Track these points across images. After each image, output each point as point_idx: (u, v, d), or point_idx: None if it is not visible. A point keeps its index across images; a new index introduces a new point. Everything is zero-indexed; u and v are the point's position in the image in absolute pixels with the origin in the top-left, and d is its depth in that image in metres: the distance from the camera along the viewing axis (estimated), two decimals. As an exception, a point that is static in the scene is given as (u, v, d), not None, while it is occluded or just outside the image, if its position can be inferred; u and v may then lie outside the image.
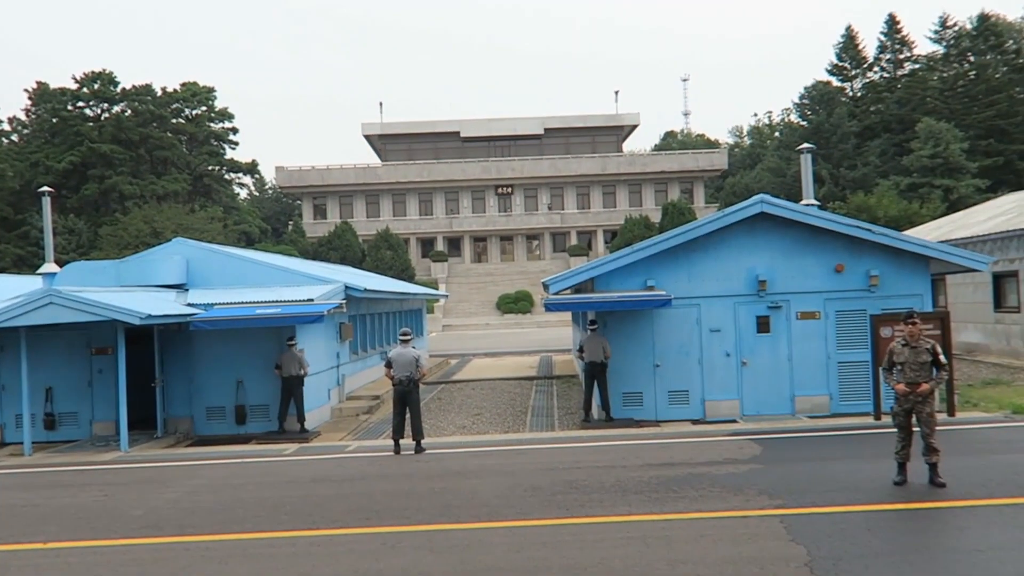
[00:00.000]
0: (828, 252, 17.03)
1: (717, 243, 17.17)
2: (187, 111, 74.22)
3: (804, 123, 72.60)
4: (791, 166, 68.86)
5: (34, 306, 15.49)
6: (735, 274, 17.12)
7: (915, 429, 10.95)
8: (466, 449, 14.70)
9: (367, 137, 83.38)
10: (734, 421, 16.67)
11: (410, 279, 62.60)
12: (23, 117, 71.33)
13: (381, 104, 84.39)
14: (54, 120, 68.45)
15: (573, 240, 76.36)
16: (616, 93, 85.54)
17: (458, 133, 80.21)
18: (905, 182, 59.64)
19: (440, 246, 76.03)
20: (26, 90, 75.26)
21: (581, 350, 17.44)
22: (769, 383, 17.02)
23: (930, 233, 30.84)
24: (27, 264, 60.45)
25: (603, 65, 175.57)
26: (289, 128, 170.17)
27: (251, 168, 78.61)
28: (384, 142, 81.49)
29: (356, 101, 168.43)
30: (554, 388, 24.15)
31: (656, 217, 69.63)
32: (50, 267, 21.02)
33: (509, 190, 78.17)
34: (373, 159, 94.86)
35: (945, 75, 69.45)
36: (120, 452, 16.05)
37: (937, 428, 10.86)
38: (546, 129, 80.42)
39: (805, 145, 20.25)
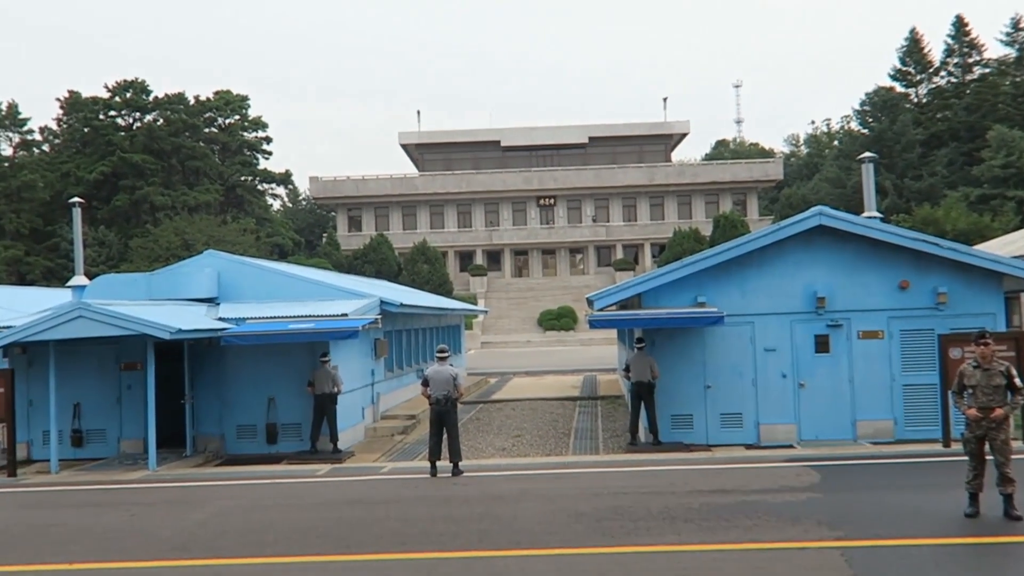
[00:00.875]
0: (892, 268, 16.77)
1: (772, 258, 17.01)
2: (220, 120, 75.64)
3: (865, 131, 71.68)
4: (851, 177, 67.99)
5: (63, 319, 15.79)
6: (792, 291, 16.95)
7: (988, 457, 10.68)
8: (506, 472, 14.66)
9: (404, 147, 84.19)
10: (791, 446, 16.45)
11: (448, 294, 62.86)
12: (55, 127, 73.19)
13: (419, 113, 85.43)
14: (85, 130, 70.15)
15: (619, 254, 76.16)
16: (664, 100, 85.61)
17: (498, 142, 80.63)
18: (975, 193, 58.52)
19: (479, 260, 76.30)
20: (58, 99, 77.36)
21: (627, 369, 17.34)
22: (828, 406, 16.79)
23: (1003, 248, 30.21)
24: (56, 277, 61.85)
25: (651, 72, 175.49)
26: (324, 138, 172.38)
27: (284, 178, 79.81)
28: (422, 152, 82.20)
29: (394, 110, 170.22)
30: (598, 409, 24.01)
31: (707, 230, 69.12)
32: (79, 280, 21.48)
33: (552, 201, 78.26)
34: (410, 169, 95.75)
35: (1018, 79, 68.15)
36: (148, 471, 16.26)
37: (1013, 456, 10.57)
38: (591, 138, 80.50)
39: (867, 154, 20.00)
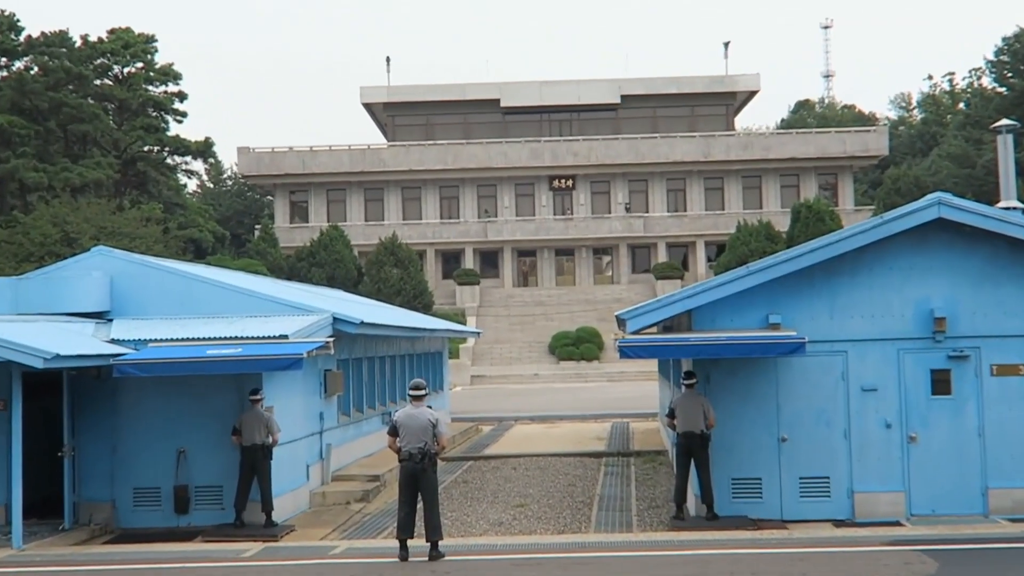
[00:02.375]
0: (1038, 277, 16.83)
1: (872, 263, 17.02)
2: (116, 69, 75.92)
3: (1003, 90, 71.84)
4: (983, 152, 68.08)
5: None
6: (899, 308, 16.97)
7: None
8: (503, 556, 14.63)
9: (368, 107, 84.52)
10: (897, 523, 16.43)
11: (426, 309, 62.93)
12: None
13: (389, 61, 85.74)
14: (-69, 80, 70.26)
15: (661, 256, 76.41)
16: (726, 46, 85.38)
17: (497, 101, 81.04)
18: None
19: (469, 262, 76.53)
20: None
21: (672, 415, 17.32)
22: (950, 468, 16.78)
23: None
24: None
25: (707, 5, 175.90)
26: (258, 95, 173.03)
27: (204, 149, 79.92)
28: (392, 114, 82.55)
29: (354, 57, 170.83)
30: (631, 469, 23.98)
31: (782, 224, 69.20)
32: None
33: (570, 183, 78.53)
34: (376, 137, 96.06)
35: None
36: (11, 550, 16.20)
37: None
38: (624, 96, 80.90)
39: (1005, 122, 20.01)
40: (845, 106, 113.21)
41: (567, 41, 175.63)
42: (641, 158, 77.11)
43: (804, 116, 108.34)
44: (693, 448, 16.92)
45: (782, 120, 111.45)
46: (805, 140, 78.34)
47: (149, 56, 76.47)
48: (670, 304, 17.15)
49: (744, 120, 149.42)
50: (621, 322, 18.24)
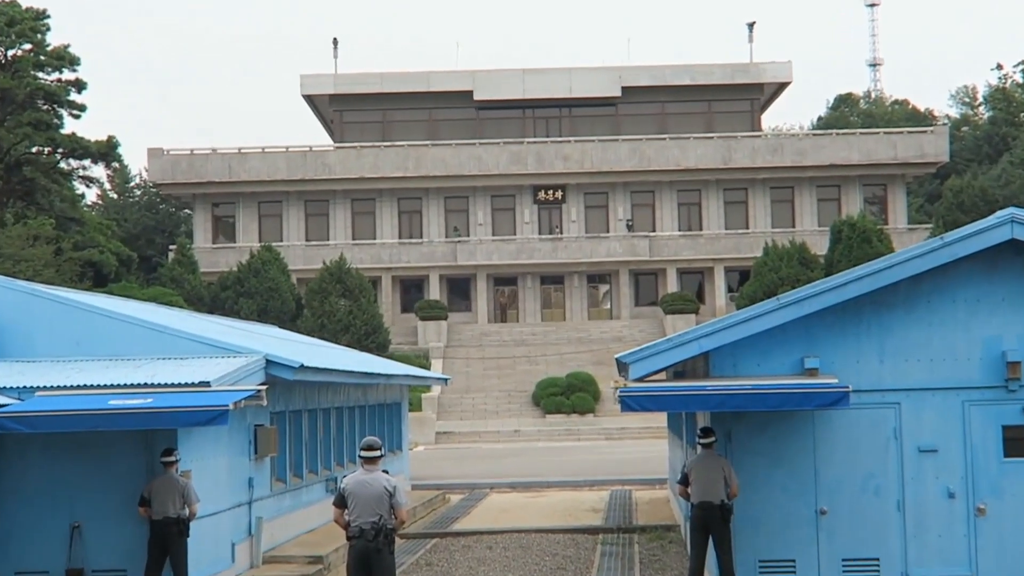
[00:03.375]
0: None
1: (931, 294, 17.05)
2: (-2, 51, 75.70)
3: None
4: (1063, 158, 68.50)
5: None
6: (964, 350, 17.00)
7: None
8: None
9: (310, 99, 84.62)
10: (962, 616, 16.43)
11: (381, 350, 62.81)
12: None
13: (336, 43, 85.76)
14: None
15: (671, 285, 76.62)
16: (751, 27, 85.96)
17: (470, 94, 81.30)
18: None
19: (435, 292, 76.60)
20: None
21: (685, 481, 17.27)
22: (1026, 548, 16.79)
23: None
24: None
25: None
26: (174, 85, 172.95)
27: (106, 151, 79.55)
28: (340, 108, 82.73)
29: (292, 39, 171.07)
30: (635, 549, 23.91)
31: (820, 246, 69.53)
32: None
33: (559, 195, 78.79)
34: (320, 137, 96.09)
35: None
36: None
37: None
38: (625, 88, 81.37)
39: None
40: (896, 102, 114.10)
41: (556, 21, 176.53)
42: (646, 164, 77.45)
43: (846, 114, 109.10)
44: (711, 522, 16.84)
45: (819, 119, 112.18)
46: (847, 143, 78.80)
47: (39, 36, 76.31)
48: (682, 344, 17.07)
49: (773, 118, 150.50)
50: (622, 366, 18.19)
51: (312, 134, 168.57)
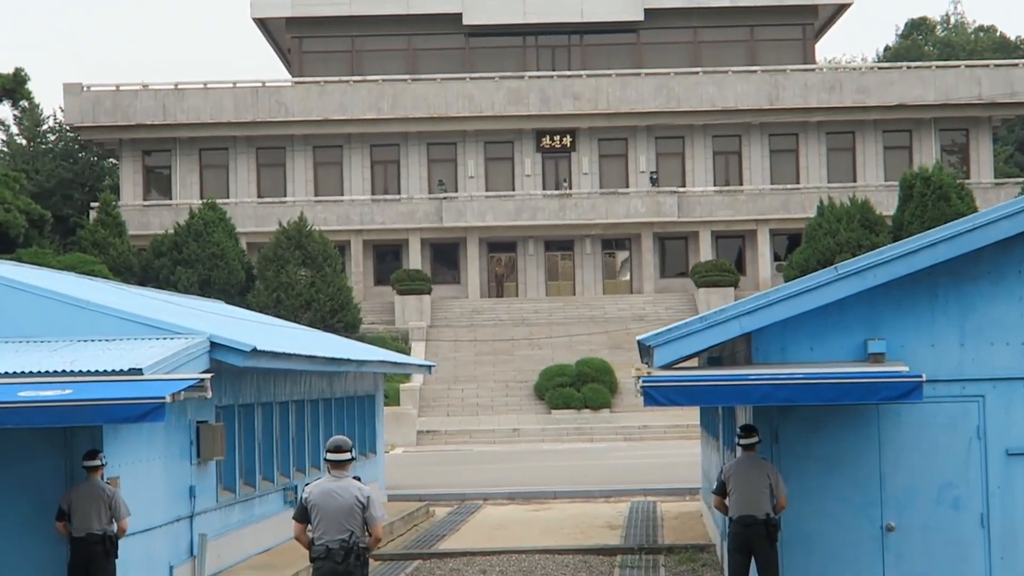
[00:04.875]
0: None
1: (1022, 262, 17.09)
2: None
3: None
4: None
5: None
6: (1063, 331, 17.00)
7: None
8: None
9: (262, 23, 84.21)
10: (1059, 655, 16.44)
11: (350, 330, 62.81)
12: None
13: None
14: None
15: (704, 252, 76.65)
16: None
17: (459, 17, 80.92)
18: None
19: (416, 260, 76.62)
20: None
21: (723, 491, 17.29)
22: None
23: None
24: None
25: None
26: (96, 6, 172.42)
27: (13, 87, 79.51)
28: (299, 34, 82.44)
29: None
30: (661, 573, 23.96)
31: (887, 204, 69.53)
32: None
33: (567, 141, 78.65)
34: (275, 71, 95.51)
35: None
36: None
37: None
38: (649, 10, 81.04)
39: None
40: (980, 28, 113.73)
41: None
42: (675, 104, 77.31)
43: (919, 43, 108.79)
44: (754, 541, 16.83)
45: (886, 48, 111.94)
46: (920, 79, 78.55)
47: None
48: (719, 324, 17.01)
49: (829, 48, 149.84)
50: (645, 351, 18.20)
51: (266, 66, 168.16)
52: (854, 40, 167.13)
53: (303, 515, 14.76)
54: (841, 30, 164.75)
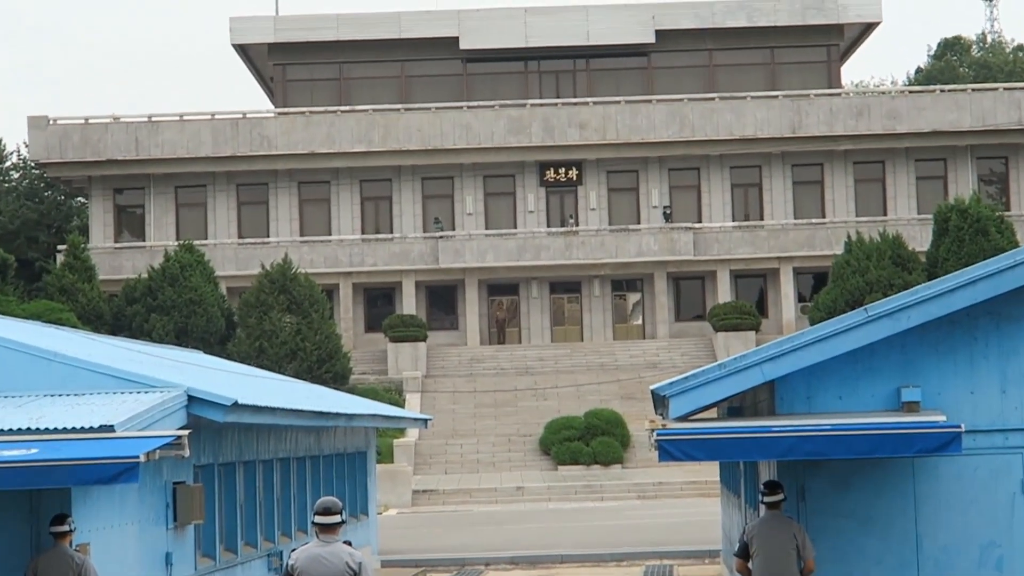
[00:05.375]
0: None
1: (1071, 302, 17.01)
2: None
3: None
4: None
5: None
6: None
7: None
8: None
9: (242, 50, 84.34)
10: None
11: (339, 381, 62.72)
12: None
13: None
14: None
15: (723, 293, 76.63)
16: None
17: (455, 41, 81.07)
18: None
19: (410, 305, 76.55)
20: None
21: (746, 553, 17.23)
22: None
23: None
24: None
25: None
26: (66, 34, 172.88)
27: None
28: (282, 60, 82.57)
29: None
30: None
31: (920, 239, 69.55)
32: None
33: (573, 174, 78.65)
34: (256, 101, 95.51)
35: None
36: None
37: None
38: (661, 32, 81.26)
39: None
40: (1020, 48, 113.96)
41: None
42: (689, 133, 77.39)
43: (953, 64, 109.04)
44: (780, 607, 16.87)
45: (918, 71, 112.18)
46: (955, 103, 78.64)
47: None
48: (740, 371, 17.03)
49: (856, 71, 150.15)
50: (660, 401, 18.18)
51: (247, 96, 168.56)
52: (883, 62, 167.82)
53: (290, 584, 14.73)
54: (869, 51, 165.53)
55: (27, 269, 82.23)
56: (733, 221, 78.24)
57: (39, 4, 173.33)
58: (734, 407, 19.58)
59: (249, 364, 51.45)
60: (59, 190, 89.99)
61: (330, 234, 78.12)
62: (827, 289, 67.10)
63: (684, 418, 17.31)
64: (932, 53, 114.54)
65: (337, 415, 29.40)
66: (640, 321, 78.89)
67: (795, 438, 16.19)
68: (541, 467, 63.11)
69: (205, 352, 49.23)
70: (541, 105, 78.27)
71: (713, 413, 18.87)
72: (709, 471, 47.62)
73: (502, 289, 78.78)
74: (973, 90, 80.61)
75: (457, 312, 78.10)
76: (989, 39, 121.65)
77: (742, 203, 79.08)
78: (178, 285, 66.56)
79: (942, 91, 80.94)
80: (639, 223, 78.00)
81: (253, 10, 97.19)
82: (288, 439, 27.99)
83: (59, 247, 77.93)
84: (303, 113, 78.27)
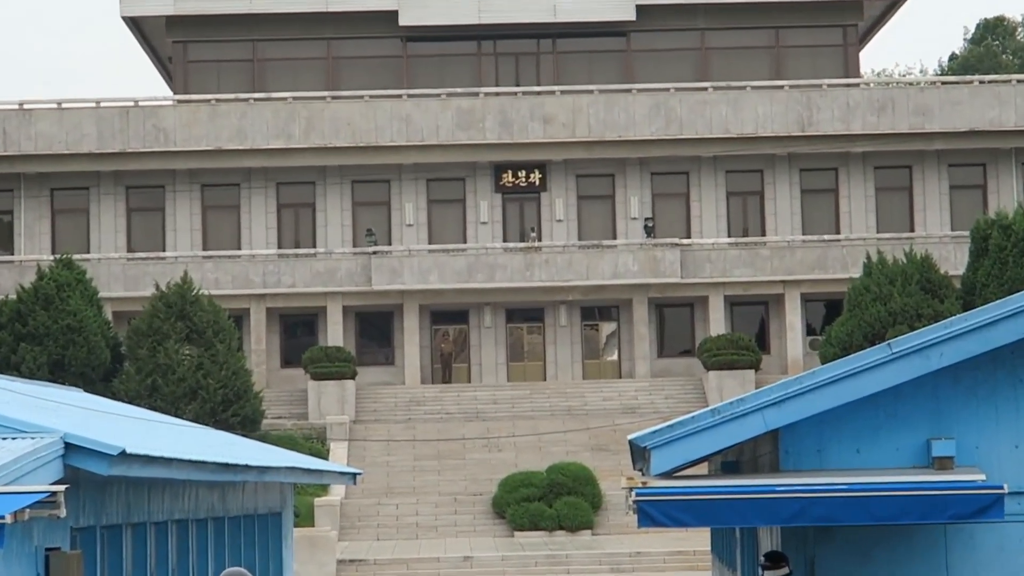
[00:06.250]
0: None
1: None
2: None
3: None
4: None
5: None
6: None
7: None
8: None
9: (133, 23, 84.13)
10: None
11: (247, 426, 62.64)
12: None
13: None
14: None
15: (715, 324, 76.90)
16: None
17: (394, 16, 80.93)
18: None
19: (337, 335, 76.74)
20: None
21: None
22: None
23: None
24: None
25: None
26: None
27: None
28: (183, 36, 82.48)
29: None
30: None
31: (954, 260, 69.88)
32: None
33: (536, 178, 78.80)
34: (150, 85, 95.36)
35: None
36: None
37: None
38: (643, 8, 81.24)
39: None
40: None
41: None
42: (676, 129, 77.64)
43: (995, 50, 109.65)
44: None
45: (952, 58, 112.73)
46: (997, 97, 79.11)
47: None
48: (736, 419, 17.06)
49: (877, 57, 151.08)
50: (639, 453, 18.23)
51: (140, 81, 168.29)
52: (910, 46, 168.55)
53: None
54: (893, 33, 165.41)
55: None
56: (729, 236, 78.45)
57: None
58: (729, 462, 19.63)
59: (140, 405, 51.42)
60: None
61: (239, 248, 78.04)
62: (841, 320, 67.22)
63: (669, 474, 17.34)
64: (969, 36, 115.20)
65: (246, 468, 29.37)
66: (615, 356, 79.04)
67: (803, 500, 16.22)
68: (494, 533, 63.08)
69: (86, 390, 49.16)
70: (497, 94, 78.38)
71: (704, 469, 18.89)
72: (698, 539, 47.77)
73: (448, 316, 78.90)
74: (1019, 81, 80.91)
75: (393, 344, 78.13)
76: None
77: (740, 215, 79.34)
78: (53, 308, 66.32)
79: (981, 82, 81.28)
80: (615, 238, 78.19)
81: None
82: (186, 497, 27.94)
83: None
84: (208, 101, 78.20)
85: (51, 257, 72.92)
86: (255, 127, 77.20)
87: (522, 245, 77.52)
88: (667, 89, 78.01)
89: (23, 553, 20.51)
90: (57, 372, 61.44)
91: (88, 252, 76.08)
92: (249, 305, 76.15)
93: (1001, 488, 15.97)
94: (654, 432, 17.51)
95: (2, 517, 16.56)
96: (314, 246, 78.17)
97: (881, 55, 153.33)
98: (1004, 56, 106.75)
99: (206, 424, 51.22)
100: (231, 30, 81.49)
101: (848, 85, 79.41)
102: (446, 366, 78.87)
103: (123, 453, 20.29)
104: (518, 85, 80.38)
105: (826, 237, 77.96)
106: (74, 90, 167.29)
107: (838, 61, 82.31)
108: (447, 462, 68.56)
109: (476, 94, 78.20)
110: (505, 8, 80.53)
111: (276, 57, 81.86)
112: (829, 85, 78.50)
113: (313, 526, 60.01)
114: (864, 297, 65.40)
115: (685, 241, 77.67)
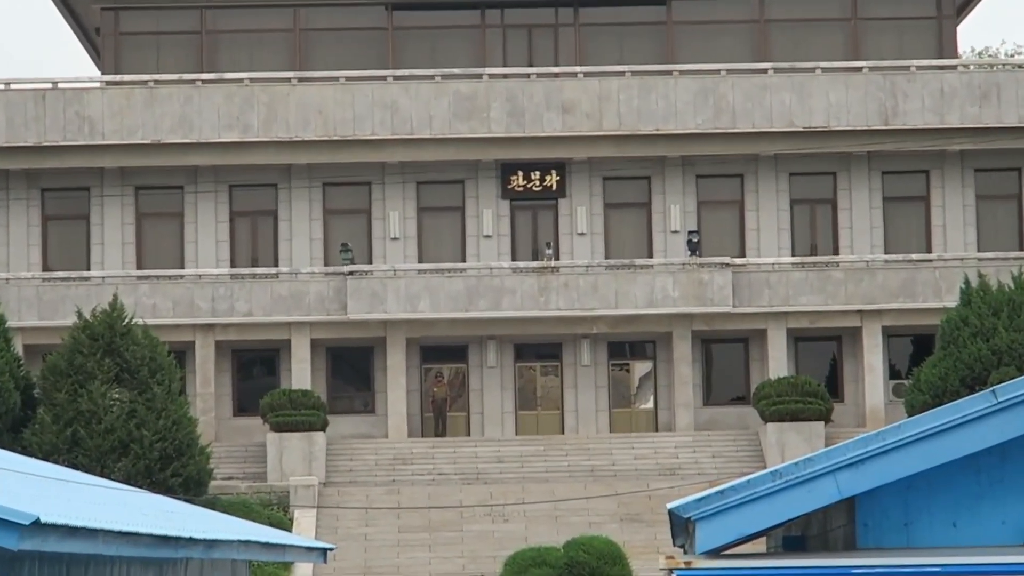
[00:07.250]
0: None
1: None
2: None
3: None
4: None
5: None
6: None
7: None
8: None
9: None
10: None
11: (194, 490, 62.69)
12: None
13: None
14: None
15: (775, 365, 76.94)
16: None
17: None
18: None
19: (304, 376, 76.87)
20: None
21: None
22: None
23: None
24: None
25: None
26: None
27: None
28: (112, 2, 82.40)
29: None
30: None
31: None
32: None
33: (551, 181, 78.97)
34: (74, 64, 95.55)
35: None
36: None
37: None
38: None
39: None
40: None
41: None
42: (728, 122, 77.81)
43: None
44: None
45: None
46: None
47: None
48: (801, 483, 17.16)
49: (979, 33, 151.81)
50: (682, 525, 18.28)
51: (61, 59, 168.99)
52: (1020, 20, 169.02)
53: None
54: (999, 3, 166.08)
55: None
56: (793, 256, 78.48)
57: None
58: (793, 537, 19.65)
59: (57, 461, 51.42)
60: None
61: (183, 267, 78.22)
62: (933, 360, 67.25)
63: (717, 552, 17.38)
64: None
65: (190, 541, 29.40)
66: (651, 404, 79.14)
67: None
68: (499, 625, 63.29)
69: (-9, 443, 49.18)
70: (505, 76, 78.59)
71: (761, 546, 18.90)
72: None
73: (442, 353, 79.14)
74: None
75: (374, 387, 78.31)
76: None
77: (806, 229, 79.42)
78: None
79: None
80: (650, 256, 78.26)
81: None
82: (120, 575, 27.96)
83: None
84: (144, 84, 78.33)
85: (-52, 276, 73.21)
86: (203, 115, 77.29)
87: (535, 265, 77.56)
88: (717, 71, 78.10)
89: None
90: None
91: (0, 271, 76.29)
92: (194, 338, 76.27)
93: None
94: (699, 499, 17.54)
95: None
96: (276, 265, 78.32)
97: (984, 31, 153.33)
98: None
99: (140, 486, 51.25)
100: (176, 8, 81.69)
101: (943, 68, 79.50)
102: (439, 415, 78.90)
103: (36, 522, 20.29)
104: (531, 65, 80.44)
105: (914, 257, 77.98)
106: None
107: (930, 38, 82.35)
108: (440, 535, 68.61)
109: (479, 76, 78.36)
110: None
111: (229, 29, 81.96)
112: (919, 68, 78.60)
113: (275, 614, 60.13)
114: (962, 332, 65.39)
115: (738, 261, 77.72)
